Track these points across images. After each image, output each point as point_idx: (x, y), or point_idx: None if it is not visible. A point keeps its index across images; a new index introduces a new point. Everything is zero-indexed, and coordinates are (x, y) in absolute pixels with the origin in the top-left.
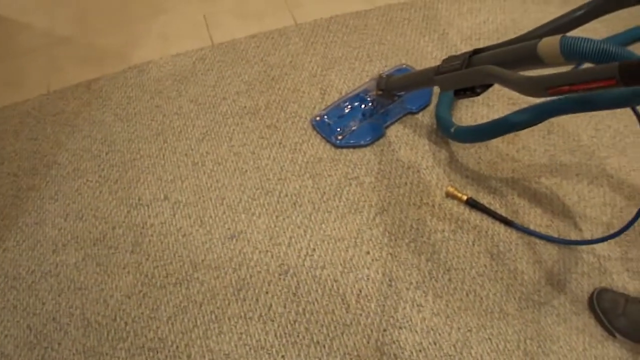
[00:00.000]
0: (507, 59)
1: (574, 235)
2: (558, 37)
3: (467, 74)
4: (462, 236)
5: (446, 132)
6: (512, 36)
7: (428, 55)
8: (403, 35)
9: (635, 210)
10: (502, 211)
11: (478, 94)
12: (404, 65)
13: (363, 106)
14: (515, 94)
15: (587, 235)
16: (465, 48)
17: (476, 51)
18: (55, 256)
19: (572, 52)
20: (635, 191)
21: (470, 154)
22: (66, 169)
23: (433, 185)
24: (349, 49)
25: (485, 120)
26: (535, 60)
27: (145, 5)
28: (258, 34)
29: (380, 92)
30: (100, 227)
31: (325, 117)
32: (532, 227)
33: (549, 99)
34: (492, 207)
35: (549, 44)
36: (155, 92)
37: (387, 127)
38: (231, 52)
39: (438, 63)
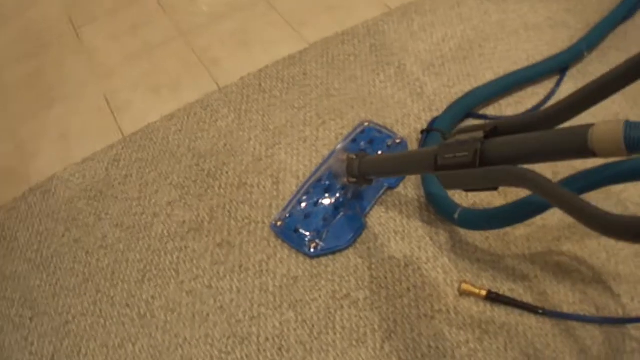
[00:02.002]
0: (539, 150)
1: (612, 303)
2: (619, 123)
3: (484, 175)
4: (490, 343)
5: (447, 216)
6: (479, 50)
7: (390, 100)
8: (353, 79)
9: None
10: (527, 297)
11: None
12: (366, 124)
13: (331, 197)
14: None
15: (626, 300)
16: (430, 80)
17: (489, 132)
18: None
19: None
20: None
21: None
22: None
23: (441, 282)
24: (293, 112)
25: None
26: (583, 152)
27: (31, 94)
28: (176, 112)
29: (353, 180)
30: None
31: (288, 220)
32: (565, 307)
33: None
34: (515, 295)
35: (607, 132)
36: (70, 219)
37: (366, 215)
38: (149, 144)
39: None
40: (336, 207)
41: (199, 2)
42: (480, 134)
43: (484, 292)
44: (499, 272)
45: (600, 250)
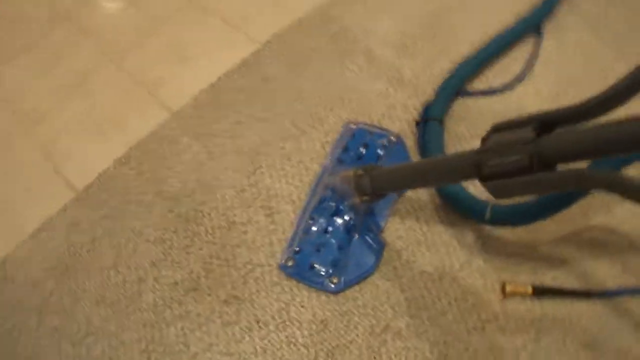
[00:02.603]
0: (612, 142)
1: None
2: None
3: (549, 181)
4: (547, 341)
5: (474, 216)
6: (447, 22)
7: (369, 92)
8: (321, 75)
9: None
10: (571, 280)
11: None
12: (354, 126)
13: (341, 220)
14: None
15: None
16: (405, 63)
17: (539, 127)
18: None
19: None
20: None
21: None
22: None
23: (481, 288)
24: (265, 125)
25: None
26: None
27: None
28: (129, 152)
29: (366, 199)
30: None
31: (299, 256)
32: (609, 282)
33: None
34: (559, 282)
35: None
36: (41, 307)
37: (382, 231)
38: (109, 197)
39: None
40: (348, 230)
41: (119, 24)
42: (529, 131)
43: (529, 289)
44: (536, 262)
45: (629, 215)
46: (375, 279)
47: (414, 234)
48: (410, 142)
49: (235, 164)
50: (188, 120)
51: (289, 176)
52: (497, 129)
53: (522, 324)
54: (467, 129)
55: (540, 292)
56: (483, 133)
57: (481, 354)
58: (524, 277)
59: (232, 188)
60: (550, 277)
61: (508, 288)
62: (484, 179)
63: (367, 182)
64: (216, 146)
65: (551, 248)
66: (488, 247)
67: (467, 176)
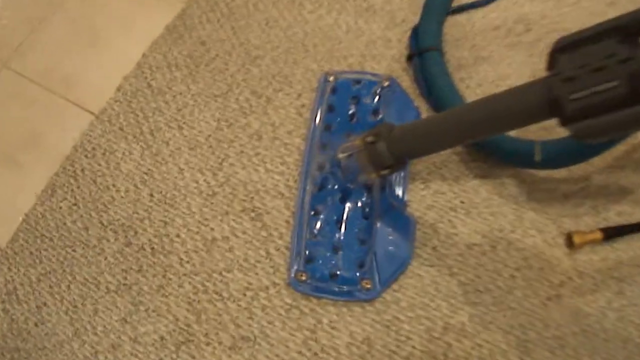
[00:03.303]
0: None
1: None
2: None
3: None
4: (632, 290)
5: (520, 160)
6: None
7: (337, 31)
8: (272, 22)
9: None
10: (638, 211)
11: None
12: (332, 78)
13: (354, 206)
14: None
15: None
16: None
17: (631, 35)
18: None
19: None
20: None
21: None
22: None
23: (542, 246)
24: (218, 103)
25: None
26: None
27: None
28: (53, 180)
29: (385, 172)
30: None
31: (313, 266)
32: None
33: None
34: (625, 217)
35: None
36: None
37: (406, 205)
38: (40, 247)
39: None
40: (366, 216)
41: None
42: (615, 45)
43: (598, 235)
44: (594, 199)
45: None
46: (415, 268)
47: (445, 198)
48: (406, 83)
49: (192, 162)
50: (118, 119)
51: (266, 161)
52: (564, 46)
53: (600, 278)
54: (469, 52)
55: (612, 234)
56: (490, 54)
57: (565, 327)
58: (587, 221)
59: (198, 193)
60: (615, 213)
61: (576, 239)
62: (570, 120)
63: (383, 149)
64: (164, 144)
65: (606, 176)
66: (535, 194)
67: (538, 118)
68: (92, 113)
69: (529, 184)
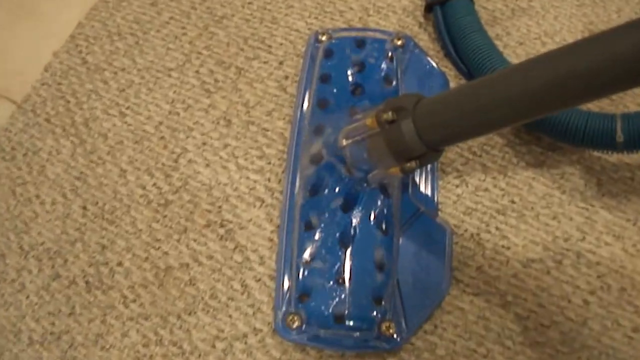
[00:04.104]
0: None
1: None
2: None
3: None
4: None
5: (598, 142)
6: None
7: None
8: None
9: None
10: None
11: None
12: (324, 37)
13: (361, 213)
14: None
15: None
16: None
17: None
18: None
19: None
20: None
21: None
22: None
23: (623, 256)
24: (173, 79)
25: None
26: None
27: None
28: None
29: (410, 165)
30: None
31: (310, 306)
32: None
33: None
34: None
35: None
36: None
37: (439, 209)
38: None
39: None
40: (383, 229)
41: None
42: None
43: None
44: None
45: None
46: (455, 299)
47: (489, 197)
48: (424, 43)
49: (139, 160)
50: (45, 107)
51: (238, 155)
52: None
53: None
54: (503, 2)
55: None
56: (530, 5)
57: None
58: None
59: (146, 205)
60: None
61: None
62: None
63: (410, 131)
64: (100, 137)
65: None
66: (608, 186)
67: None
68: (13, 102)
69: (598, 172)
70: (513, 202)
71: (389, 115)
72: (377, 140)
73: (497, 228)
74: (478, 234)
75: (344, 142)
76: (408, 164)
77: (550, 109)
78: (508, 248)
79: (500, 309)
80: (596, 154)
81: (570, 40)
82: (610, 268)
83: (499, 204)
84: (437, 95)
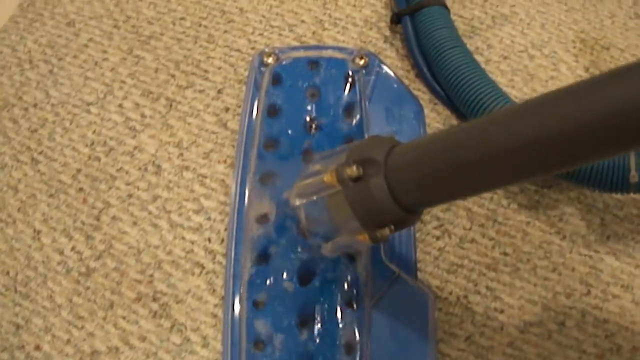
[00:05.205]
0: None
1: None
2: None
3: None
4: None
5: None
6: None
7: None
8: None
9: None
10: None
11: None
12: (270, 60)
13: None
14: None
15: None
16: None
17: None
18: None
19: None
20: None
21: None
22: None
23: (635, 310)
24: (90, 116)
25: None
26: None
27: None
28: None
29: (384, 232)
30: None
31: None
32: None
33: None
34: None
35: None
36: None
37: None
38: None
39: None
40: (350, 302)
41: None
42: None
43: None
44: None
45: None
46: None
47: (477, 250)
48: (391, 60)
49: (55, 218)
50: None
51: (171, 209)
52: None
53: None
54: (481, 10)
55: None
56: (513, 11)
57: None
58: None
59: (65, 274)
60: None
61: None
62: None
63: (382, 191)
64: (9, 190)
65: None
66: (612, 226)
67: None
68: None
69: (601, 211)
70: (505, 254)
71: (353, 170)
72: (338, 200)
73: (487, 287)
74: (466, 296)
75: (297, 202)
76: (379, 232)
77: (575, 162)
78: (502, 311)
79: None
80: (591, 192)
81: (560, 52)
82: (620, 325)
83: (488, 258)
84: (417, 140)
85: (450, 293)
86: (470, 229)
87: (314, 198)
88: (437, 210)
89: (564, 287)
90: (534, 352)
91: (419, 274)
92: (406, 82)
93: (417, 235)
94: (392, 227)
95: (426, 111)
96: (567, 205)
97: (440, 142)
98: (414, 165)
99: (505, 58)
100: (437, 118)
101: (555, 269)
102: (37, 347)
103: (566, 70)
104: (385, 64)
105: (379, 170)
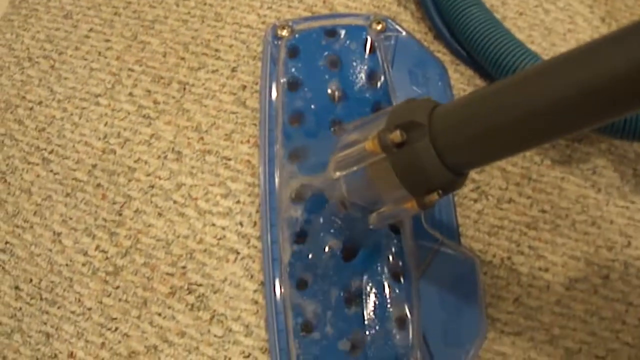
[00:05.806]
0: None
1: None
2: None
3: None
4: None
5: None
6: None
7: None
8: None
9: None
10: None
11: None
12: (285, 32)
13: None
14: None
15: None
16: None
17: None
18: None
19: None
20: None
21: None
22: None
23: None
24: (101, 109)
25: None
26: None
27: None
28: None
29: (432, 196)
30: None
31: None
32: None
33: None
34: None
35: None
36: None
37: (459, 230)
38: None
39: None
40: (397, 275)
41: None
42: None
43: None
44: None
45: None
46: (494, 343)
47: (516, 210)
48: (407, 24)
49: (74, 218)
50: None
51: (197, 196)
52: None
53: None
54: None
55: None
56: None
57: None
58: None
59: (91, 275)
60: None
61: None
62: None
63: (429, 155)
64: (23, 194)
65: None
66: None
67: None
68: None
69: (633, 161)
70: (544, 211)
71: (397, 135)
72: (382, 168)
73: (530, 247)
74: (509, 258)
75: (337, 175)
76: (428, 197)
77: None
78: (546, 270)
79: (547, 346)
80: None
81: (575, 4)
82: None
83: (528, 217)
84: (459, 99)
85: (494, 256)
86: (506, 189)
87: (355, 169)
88: (471, 173)
89: (605, 240)
90: (581, 308)
91: (461, 239)
92: (425, 44)
93: (455, 200)
94: (440, 191)
95: (450, 73)
96: (599, 157)
97: (486, 99)
98: (462, 125)
99: (521, 14)
100: (460, 79)
101: (594, 223)
102: (71, 355)
103: (583, 22)
104: (403, 28)
105: (423, 134)
